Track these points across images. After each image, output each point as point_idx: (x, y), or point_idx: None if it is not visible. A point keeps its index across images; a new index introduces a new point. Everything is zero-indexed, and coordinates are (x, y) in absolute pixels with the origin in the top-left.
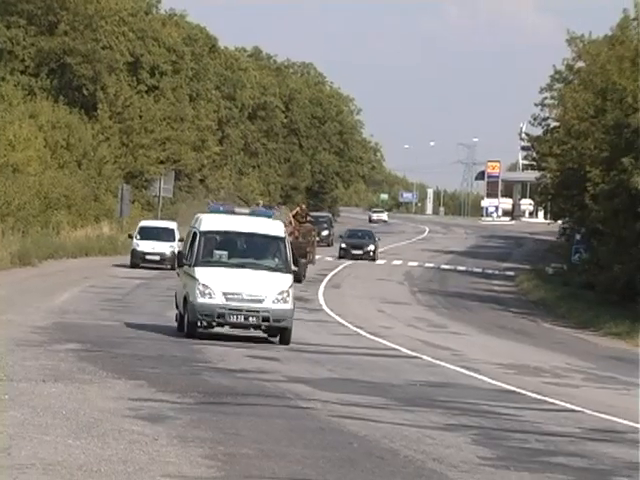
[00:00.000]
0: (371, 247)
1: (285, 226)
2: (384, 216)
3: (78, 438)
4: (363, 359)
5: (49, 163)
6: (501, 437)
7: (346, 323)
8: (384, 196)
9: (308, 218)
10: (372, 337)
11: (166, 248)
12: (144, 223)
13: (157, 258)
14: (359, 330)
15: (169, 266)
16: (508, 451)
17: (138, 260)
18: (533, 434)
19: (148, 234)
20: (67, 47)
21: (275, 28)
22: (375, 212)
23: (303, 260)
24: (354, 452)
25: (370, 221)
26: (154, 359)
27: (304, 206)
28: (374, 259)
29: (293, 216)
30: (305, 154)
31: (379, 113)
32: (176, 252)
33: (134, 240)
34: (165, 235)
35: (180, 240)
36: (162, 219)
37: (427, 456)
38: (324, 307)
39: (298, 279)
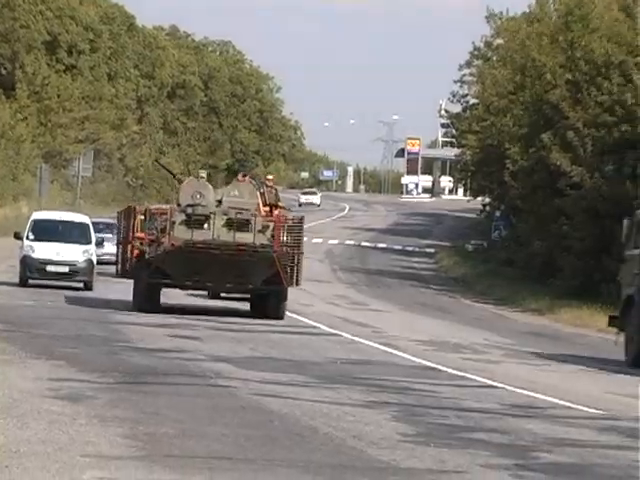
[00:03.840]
0: None
1: (253, 215)
2: (316, 199)
3: None
4: (284, 337)
5: None
6: (421, 414)
7: None
8: (304, 174)
9: (280, 203)
10: (293, 315)
11: (78, 254)
12: (39, 215)
13: (64, 270)
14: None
15: (82, 282)
16: (428, 428)
17: (33, 273)
18: (453, 410)
19: (47, 232)
20: None
21: (192, 6)
22: (305, 194)
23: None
24: (274, 430)
25: (299, 205)
26: (73, 339)
27: (271, 178)
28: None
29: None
30: (225, 133)
31: (299, 91)
32: (93, 259)
33: (25, 242)
34: (75, 233)
35: (99, 243)
36: (81, 199)
37: (347, 433)
38: None
39: (276, 317)
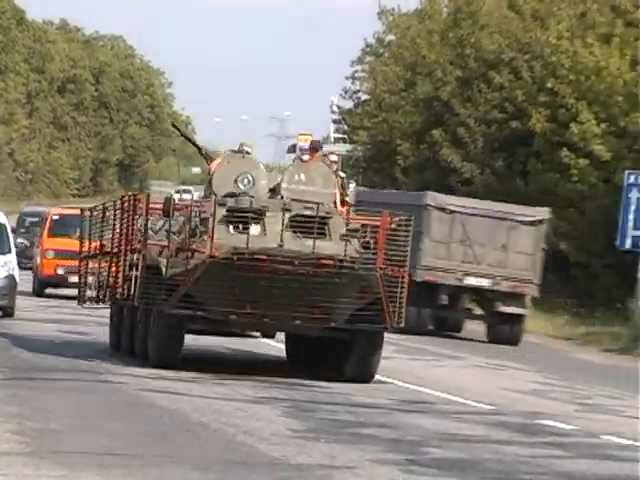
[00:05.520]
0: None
1: (329, 212)
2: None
3: None
4: None
5: None
6: (311, 409)
7: None
8: (196, 170)
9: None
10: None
11: None
12: None
13: None
14: None
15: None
16: (318, 423)
17: None
18: (343, 406)
19: None
20: None
21: (82, 0)
22: (178, 192)
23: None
24: (164, 426)
25: None
26: None
27: (335, 159)
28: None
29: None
30: (116, 127)
31: (190, 86)
32: (15, 276)
33: None
34: None
35: (23, 249)
36: None
37: (237, 429)
38: None
39: (363, 378)
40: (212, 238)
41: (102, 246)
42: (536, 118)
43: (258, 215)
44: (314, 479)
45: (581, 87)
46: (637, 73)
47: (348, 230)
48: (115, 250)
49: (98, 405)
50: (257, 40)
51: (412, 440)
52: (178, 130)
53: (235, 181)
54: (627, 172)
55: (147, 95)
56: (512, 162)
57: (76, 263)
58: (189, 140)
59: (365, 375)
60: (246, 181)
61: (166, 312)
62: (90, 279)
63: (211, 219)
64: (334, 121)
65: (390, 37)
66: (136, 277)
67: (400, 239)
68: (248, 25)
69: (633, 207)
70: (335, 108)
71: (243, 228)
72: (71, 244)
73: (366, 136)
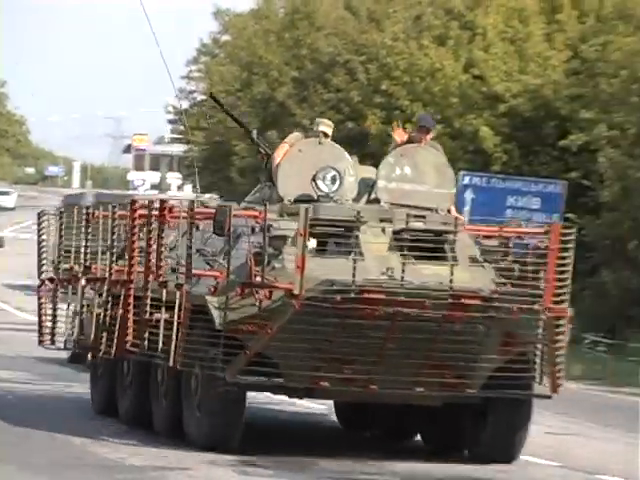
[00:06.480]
0: None
1: (448, 223)
2: (9, 200)
3: None
4: (9, 335)
5: None
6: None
7: None
8: (30, 170)
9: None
10: (18, 312)
11: None
12: None
13: None
14: (4, 305)
15: None
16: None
17: None
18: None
19: None
20: None
21: None
22: None
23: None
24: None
25: None
26: None
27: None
28: None
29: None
30: None
31: (25, 86)
32: None
33: None
34: None
35: None
36: None
37: (71, 431)
38: None
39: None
40: (302, 269)
41: (87, 268)
42: (371, 119)
43: (350, 230)
44: None
45: (416, 89)
46: (471, 75)
47: (484, 251)
48: (122, 278)
49: None
50: (90, 39)
51: (246, 441)
52: (220, 105)
53: (314, 179)
54: (462, 173)
55: None
56: None
57: None
58: (235, 119)
59: (504, 457)
60: (330, 178)
61: (228, 380)
62: (64, 315)
63: (300, 239)
64: (170, 121)
65: (226, 37)
66: (167, 322)
67: (560, 262)
68: (82, 24)
69: (467, 208)
70: (170, 108)
71: (322, 250)
72: None
73: (202, 137)
